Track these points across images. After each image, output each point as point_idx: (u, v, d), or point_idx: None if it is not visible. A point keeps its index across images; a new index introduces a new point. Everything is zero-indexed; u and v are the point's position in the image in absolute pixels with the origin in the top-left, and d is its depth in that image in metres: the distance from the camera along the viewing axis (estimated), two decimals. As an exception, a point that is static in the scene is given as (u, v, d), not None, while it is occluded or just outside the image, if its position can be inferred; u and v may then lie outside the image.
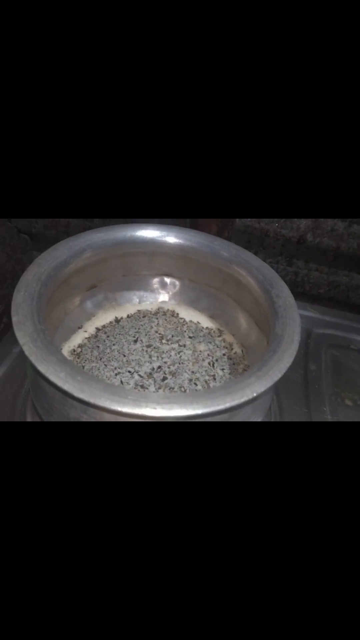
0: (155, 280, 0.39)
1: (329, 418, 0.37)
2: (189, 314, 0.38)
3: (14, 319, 0.21)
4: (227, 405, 0.19)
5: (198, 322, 0.37)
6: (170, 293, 0.40)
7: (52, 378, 0.19)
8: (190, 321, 0.38)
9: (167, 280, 0.39)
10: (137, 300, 0.39)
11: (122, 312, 0.38)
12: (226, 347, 0.35)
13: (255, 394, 0.19)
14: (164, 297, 0.40)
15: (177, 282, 0.39)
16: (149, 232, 0.34)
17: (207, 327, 0.37)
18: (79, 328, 0.35)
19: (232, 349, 0.35)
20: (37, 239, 0.68)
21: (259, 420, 0.27)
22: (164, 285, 0.39)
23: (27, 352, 0.20)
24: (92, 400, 0.18)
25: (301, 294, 0.63)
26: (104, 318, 0.37)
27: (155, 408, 0.18)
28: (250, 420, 0.26)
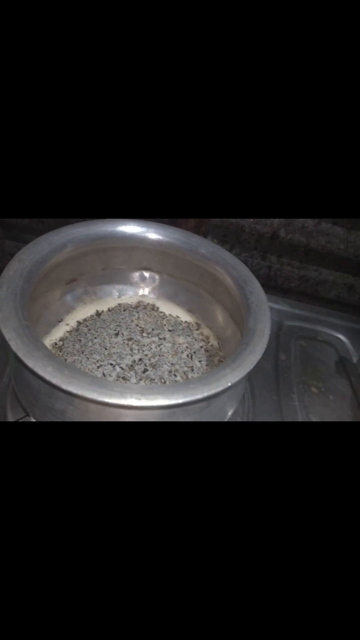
0: (135, 274, 0.40)
1: (296, 405, 0.40)
2: (168, 308, 0.40)
3: (-1, 315, 0.22)
4: (205, 394, 0.20)
5: (177, 316, 0.39)
6: (150, 287, 0.41)
7: (41, 372, 0.20)
8: (170, 315, 0.39)
9: (147, 274, 0.40)
10: (117, 294, 0.40)
11: (103, 306, 0.39)
12: (203, 340, 0.37)
13: (229, 384, 0.21)
14: (143, 290, 0.41)
15: (157, 277, 0.40)
16: (129, 228, 0.34)
17: (185, 321, 0.39)
18: (60, 321, 0.36)
19: (208, 342, 0.37)
20: (10, 228, 0.66)
21: (234, 407, 0.30)
22: (143, 279, 0.40)
23: (14, 348, 0.20)
24: (79, 392, 0.19)
25: (274, 287, 0.66)
26: (85, 311, 0.38)
27: (139, 399, 0.20)
28: (226, 408, 0.28)
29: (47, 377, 0.19)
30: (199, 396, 0.20)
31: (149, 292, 0.41)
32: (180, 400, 0.20)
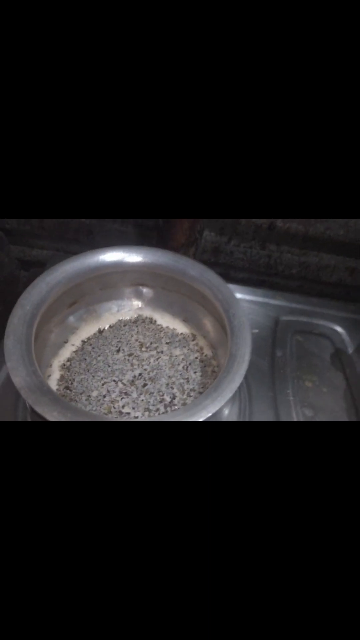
0: (131, 289, 0.42)
1: (291, 399, 0.43)
2: (165, 320, 0.42)
3: (8, 364, 0.26)
4: (187, 426, 0.24)
5: (174, 329, 0.42)
6: (146, 300, 0.43)
7: (47, 417, 0.23)
8: (167, 327, 0.42)
9: (142, 289, 0.42)
10: (116, 308, 0.43)
11: (104, 323, 0.42)
12: (198, 351, 0.39)
13: (210, 414, 0.24)
14: (140, 304, 0.43)
15: (151, 290, 0.42)
16: (118, 255, 0.36)
17: (182, 333, 0.41)
18: (65, 342, 0.39)
19: (203, 352, 0.40)
20: (13, 234, 0.69)
21: (227, 410, 0.33)
22: (139, 293, 0.43)
23: (24, 396, 0.24)
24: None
25: (275, 274, 0.66)
26: (88, 330, 0.41)
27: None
28: (218, 415, 0.31)
29: (52, 419, 0.23)
30: (182, 429, 0.24)
31: (146, 305, 0.43)
32: (166, 434, 0.23)
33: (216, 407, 0.25)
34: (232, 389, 0.26)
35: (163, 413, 0.33)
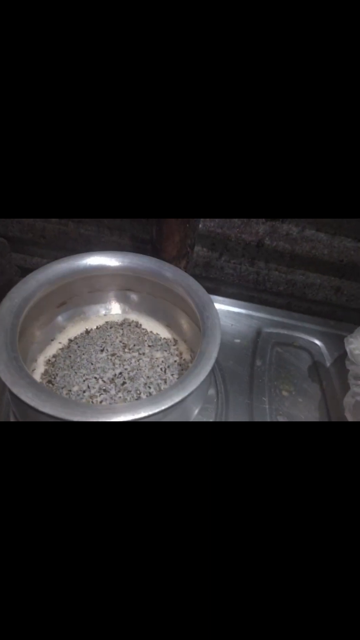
0: (119, 294, 0.45)
1: (266, 407, 0.44)
2: (150, 325, 0.45)
3: (-8, 349, 0.28)
4: (150, 412, 0.26)
5: (157, 333, 0.44)
6: (132, 304, 0.46)
7: (23, 397, 0.25)
8: (151, 332, 0.44)
9: (129, 294, 0.45)
10: (104, 312, 0.45)
11: (92, 324, 0.44)
12: (178, 355, 0.41)
13: (172, 403, 0.26)
14: (126, 308, 0.46)
15: (138, 296, 0.45)
16: (107, 260, 0.39)
17: (164, 338, 0.43)
18: (52, 340, 0.42)
19: (182, 356, 0.42)
20: (15, 242, 0.73)
21: (196, 410, 0.34)
22: (126, 298, 0.46)
23: (2, 378, 0.26)
24: (52, 412, 0.25)
25: (263, 291, 0.69)
26: (75, 330, 0.43)
27: (98, 418, 0.25)
28: (187, 413, 0.33)
29: (27, 401, 0.25)
30: (144, 414, 0.25)
31: (132, 309, 0.46)
32: (130, 418, 0.25)
33: (180, 397, 0.26)
34: (197, 382, 0.28)
35: (124, 400, 0.34)
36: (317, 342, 0.52)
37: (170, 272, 0.38)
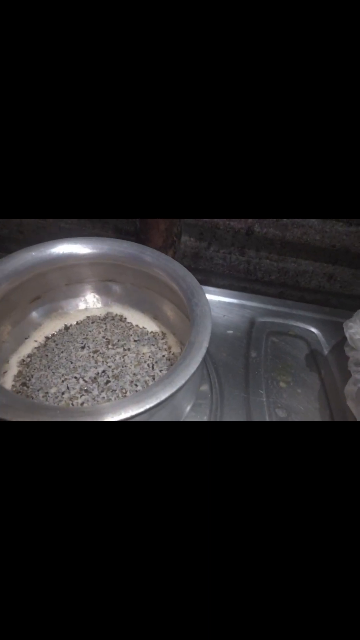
0: (99, 285, 0.41)
1: (264, 400, 0.41)
2: (135, 318, 0.41)
3: None
4: (133, 412, 0.22)
5: (144, 327, 0.40)
6: (115, 297, 0.42)
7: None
8: (137, 325, 0.41)
9: (111, 285, 0.41)
10: (84, 306, 0.42)
11: (71, 319, 0.41)
12: (166, 350, 0.38)
13: (159, 401, 0.23)
14: (108, 301, 0.42)
15: (121, 287, 0.41)
16: (81, 247, 0.36)
17: (151, 331, 0.40)
18: (26, 339, 0.38)
19: (171, 350, 0.38)
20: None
21: (187, 408, 0.31)
22: (108, 289, 0.42)
23: None
24: (14, 419, 0.21)
25: (254, 281, 0.66)
26: (52, 326, 0.40)
27: (78, 419, 0.21)
28: (177, 411, 0.30)
29: (-12, 405, 0.21)
30: (126, 414, 0.22)
31: (115, 302, 0.42)
32: (109, 419, 0.22)
33: (167, 394, 0.23)
34: (187, 375, 0.24)
35: (108, 400, 0.31)
36: (314, 329, 0.49)
37: (152, 257, 0.35)
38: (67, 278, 0.38)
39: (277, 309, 0.52)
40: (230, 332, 0.48)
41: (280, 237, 0.60)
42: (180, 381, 0.24)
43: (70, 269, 0.37)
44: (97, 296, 0.42)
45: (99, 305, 0.42)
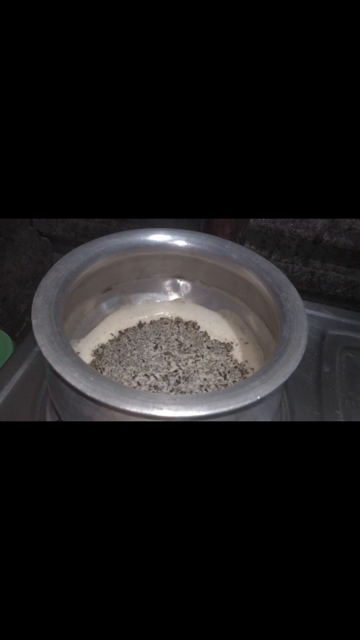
0: (168, 282, 0.40)
1: (342, 421, 0.36)
2: (207, 322, 0.39)
3: (34, 322, 0.23)
4: (231, 407, 0.19)
5: (216, 333, 0.38)
6: (183, 294, 0.40)
7: (67, 378, 0.20)
8: (210, 331, 0.38)
9: (180, 282, 0.40)
10: (158, 300, 0.40)
11: (141, 315, 0.39)
12: (239, 360, 0.35)
13: (258, 397, 0.20)
14: (177, 297, 0.40)
15: (189, 284, 0.40)
16: (160, 237, 0.35)
17: (224, 338, 0.37)
18: (94, 327, 0.37)
19: (247, 362, 0.35)
20: (57, 242, 0.71)
21: (267, 420, 0.28)
22: (176, 286, 0.40)
23: (45, 353, 0.21)
24: (103, 399, 0.19)
25: (318, 294, 0.62)
26: (119, 317, 0.38)
27: (161, 409, 0.19)
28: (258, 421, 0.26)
29: (73, 382, 0.20)
30: (224, 409, 0.19)
31: (184, 299, 0.40)
32: (204, 413, 0.19)
33: (266, 391, 0.20)
34: (286, 373, 0.21)
35: (195, 392, 0.28)
36: (395, 347, 0.44)
37: (233, 250, 0.33)
38: (139, 271, 0.37)
39: (351, 322, 0.47)
40: (300, 342, 0.44)
41: (352, 247, 0.56)
42: (280, 378, 0.21)
43: (146, 260, 0.36)
44: (165, 292, 0.40)
45: (170, 303, 0.40)
